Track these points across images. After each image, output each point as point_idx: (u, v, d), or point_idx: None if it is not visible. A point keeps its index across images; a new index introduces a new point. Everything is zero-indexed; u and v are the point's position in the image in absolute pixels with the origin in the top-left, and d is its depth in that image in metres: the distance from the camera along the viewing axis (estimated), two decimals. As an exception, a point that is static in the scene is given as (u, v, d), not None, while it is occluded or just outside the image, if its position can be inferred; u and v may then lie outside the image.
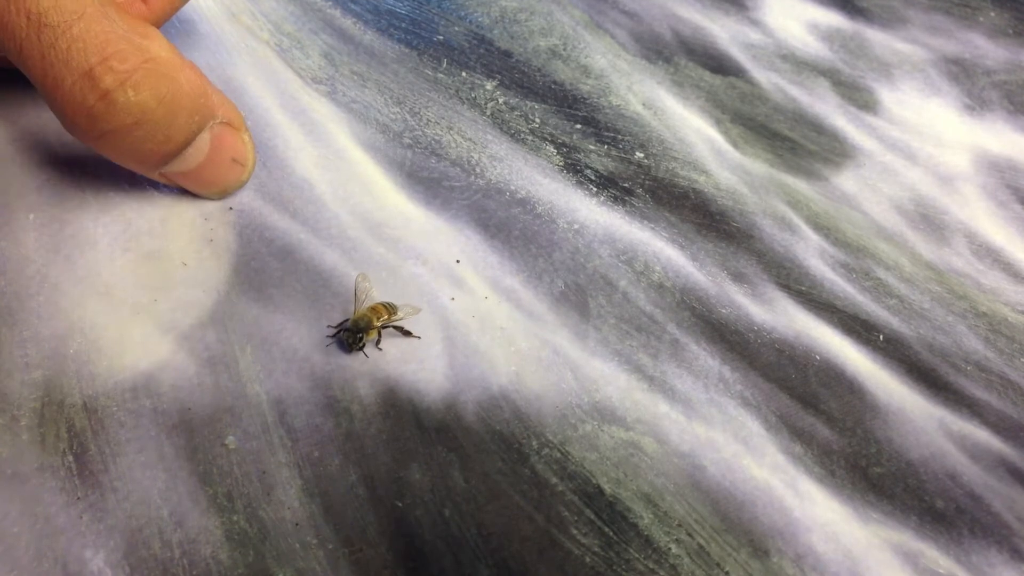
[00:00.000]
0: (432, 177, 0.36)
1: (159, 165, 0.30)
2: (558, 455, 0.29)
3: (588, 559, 0.27)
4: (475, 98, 0.40)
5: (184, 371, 0.28)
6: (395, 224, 0.34)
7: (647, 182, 0.39)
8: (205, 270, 0.31)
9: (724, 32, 0.49)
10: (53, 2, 0.26)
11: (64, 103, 0.27)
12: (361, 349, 0.30)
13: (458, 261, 0.34)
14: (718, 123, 0.43)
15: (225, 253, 0.32)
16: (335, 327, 0.30)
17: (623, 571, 0.27)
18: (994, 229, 0.42)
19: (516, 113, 0.40)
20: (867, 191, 0.42)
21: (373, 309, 0.30)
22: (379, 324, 0.29)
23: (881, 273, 0.38)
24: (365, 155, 0.36)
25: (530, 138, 0.39)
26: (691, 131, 0.42)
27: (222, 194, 0.33)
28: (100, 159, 0.33)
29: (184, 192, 0.33)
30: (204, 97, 0.29)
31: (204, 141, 0.30)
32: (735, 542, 0.28)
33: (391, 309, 0.30)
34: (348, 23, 0.42)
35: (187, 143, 0.30)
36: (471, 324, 0.32)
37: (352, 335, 0.29)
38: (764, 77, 0.47)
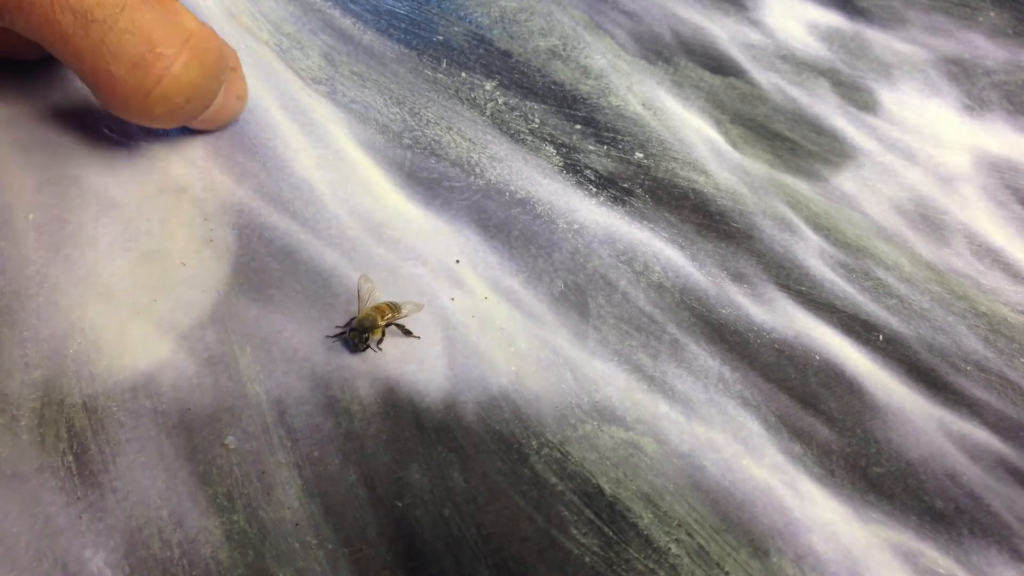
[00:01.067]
0: (432, 177, 0.36)
1: (191, 122, 0.32)
2: (558, 455, 0.29)
3: (588, 559, 0.27)
4: (475, 98, 0.41)
5: (184, 371, 0.28)
6: (395, 224, 0.34)
7: (647, 182, 0.39)
8: (205, 270, 0.31)
9: (724, 32, 0.49)
10: None
11: (117, 93, 0.27)
12: (366, 349, 0.30)
13: (458, 261, 0.34)
14: (718, 123, 0.43)
15: (225, 253, 0.32)
16: (340, 328, 0.30)
17: (623, 571, 0.27)
18: (994, 229, 0.42)
19: (516, 113, 0.40)
20: (867, 191, 0.42)
21: (377, 308, 0.30)
22: (383, 323, 0.30)
23: (881, 273, 0.38)
24: (365, 155, 0.36)
25: (530, 138, 0.39)
26: (691, 131, 0.42)
27: (223, 127, 0.35)
28: (100, 160, 0.33)
29: (184, 192, 0.33)
30: (225, 56, 0.31)
31: (222, 91, 0.32)
32: (735, 542, 0.28)
33: (395, 308, 0.30)
34: (348, 23, 0.42)
35: (215, 98, 0.31)
36: (471, 324, 0.32)
37: (358, 335, 0.29)
38: (764, 77, 0.47)
